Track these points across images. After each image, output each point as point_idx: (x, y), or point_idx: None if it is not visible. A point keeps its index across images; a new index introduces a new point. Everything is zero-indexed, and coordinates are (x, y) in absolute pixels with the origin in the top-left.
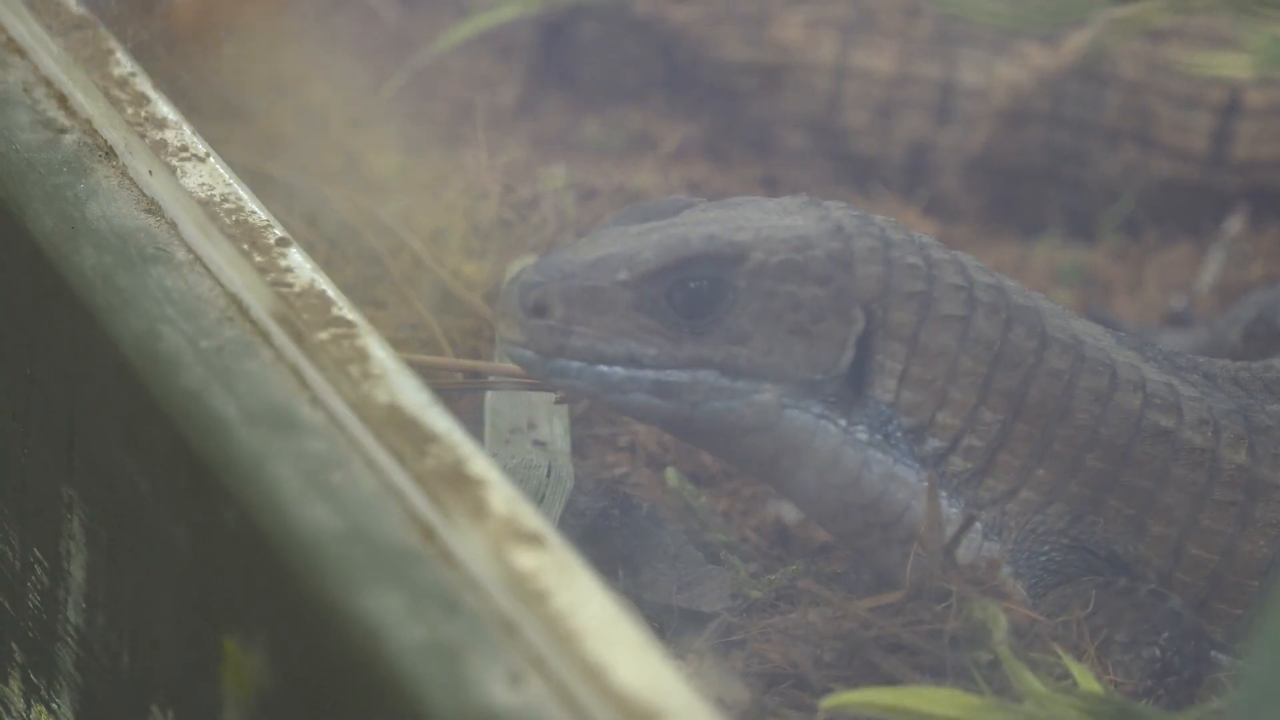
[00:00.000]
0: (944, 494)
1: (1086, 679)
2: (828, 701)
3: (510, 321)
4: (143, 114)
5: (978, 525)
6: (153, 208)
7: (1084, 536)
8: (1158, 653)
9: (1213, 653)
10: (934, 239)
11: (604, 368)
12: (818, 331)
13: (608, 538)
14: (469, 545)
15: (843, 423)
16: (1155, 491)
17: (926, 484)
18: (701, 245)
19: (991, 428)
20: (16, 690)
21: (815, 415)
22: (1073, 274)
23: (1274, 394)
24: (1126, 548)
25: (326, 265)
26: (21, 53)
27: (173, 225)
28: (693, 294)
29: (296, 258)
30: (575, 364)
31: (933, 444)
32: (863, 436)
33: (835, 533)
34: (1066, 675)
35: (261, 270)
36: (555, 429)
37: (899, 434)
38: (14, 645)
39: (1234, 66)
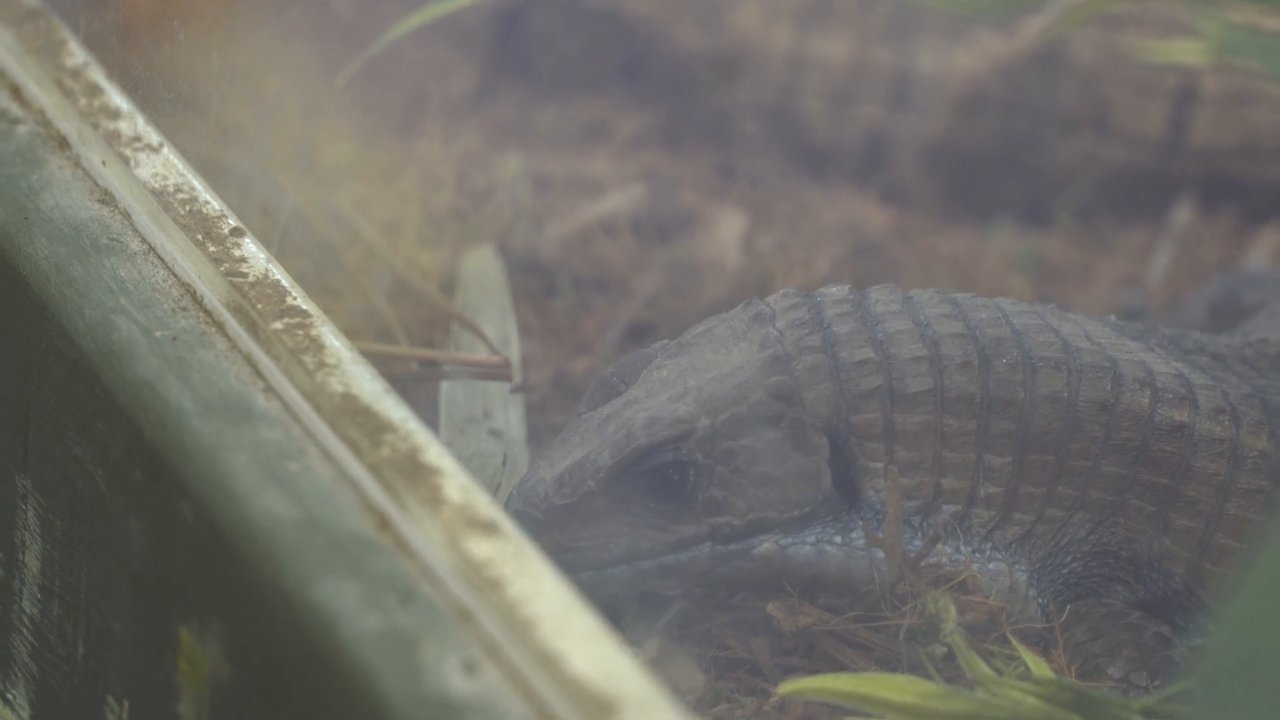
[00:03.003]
0: (977, 541)
1: (1040, 666)
2: (784, 688)
3: None
4: (96, 104)
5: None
6: (106, 198)
7: (1106, 540)
8: (1143, 696)
9: None
10: (892, 293)
11: (612, 570)
12: (786, 473)
13: None
14: (424, 534)
15: (838, 540)
16: (1177, 486)
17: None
18: (645, 438)
19: (1002, 471)
20: None
21: (812, 544)
22: (1028, 260)
23: None
24: (1151, 545)
25: (281, 255)
26: None
27: (126, 215)
28: (656, 482)
29: (250, 248)
30: (587, 574)
31: (949, 510)
32: (861, 543)
33: None
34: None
35: (215, 260)
36: (511, 418)
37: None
38: None
39: (1190, 53)
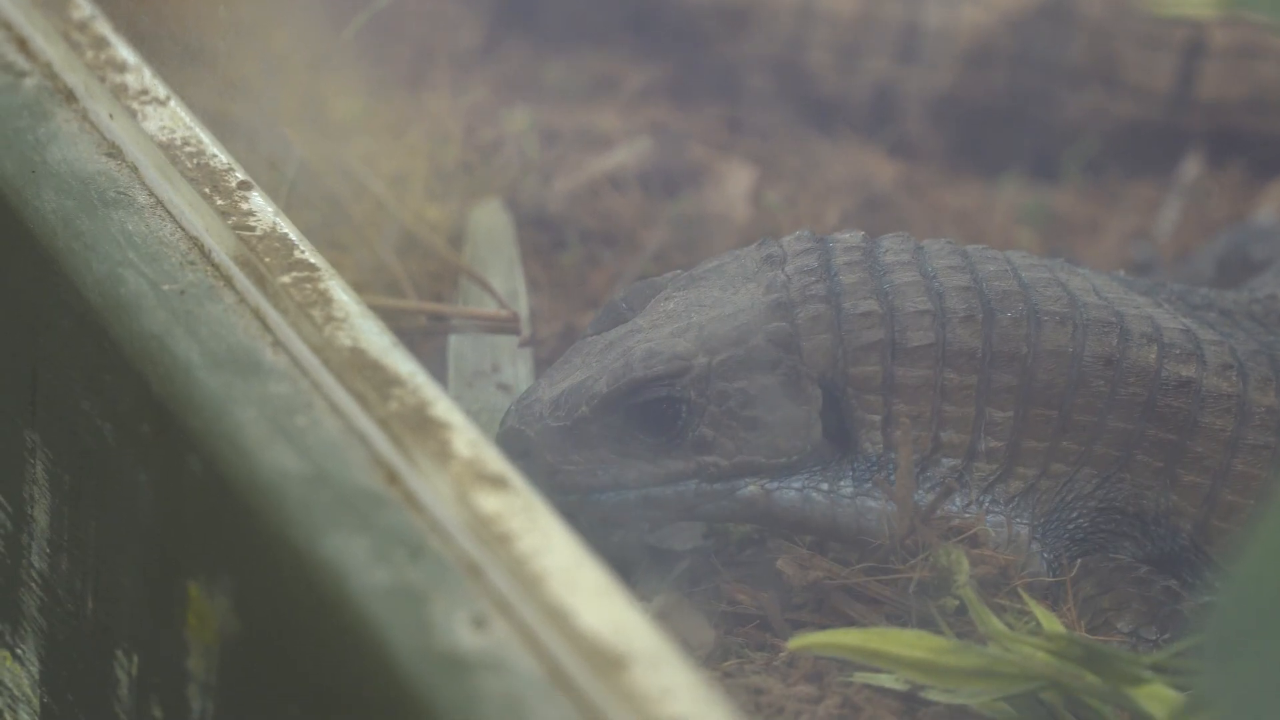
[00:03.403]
0: (975, 494)
1: (1051, 621)
2: (794, 643)
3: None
4: (103, 57)
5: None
6: (114, 151)
7: (1113, 495)
8: (1152, 650)
9: None
10: (904, 242)
11: (596, 496)
12: (777, 420)
13: None
14: (433, 488)
15: (825, 487)
16: (1184, 441)
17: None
18: (642, 370)
19: (1004, 425)
20: None
21: (798, 490)
22: (1036, 214)
23: None
24: (1158, 500)
25: (288, 209)
26: None
27: (134, 169)
28: (649, 415)
29: (258, 201)
30: (571, 497)
31: (948, 464)
32: (848, 491)
33: None
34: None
35: (223, 214)
36: (519, 372)
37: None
38: None
39: (1198, 6)
